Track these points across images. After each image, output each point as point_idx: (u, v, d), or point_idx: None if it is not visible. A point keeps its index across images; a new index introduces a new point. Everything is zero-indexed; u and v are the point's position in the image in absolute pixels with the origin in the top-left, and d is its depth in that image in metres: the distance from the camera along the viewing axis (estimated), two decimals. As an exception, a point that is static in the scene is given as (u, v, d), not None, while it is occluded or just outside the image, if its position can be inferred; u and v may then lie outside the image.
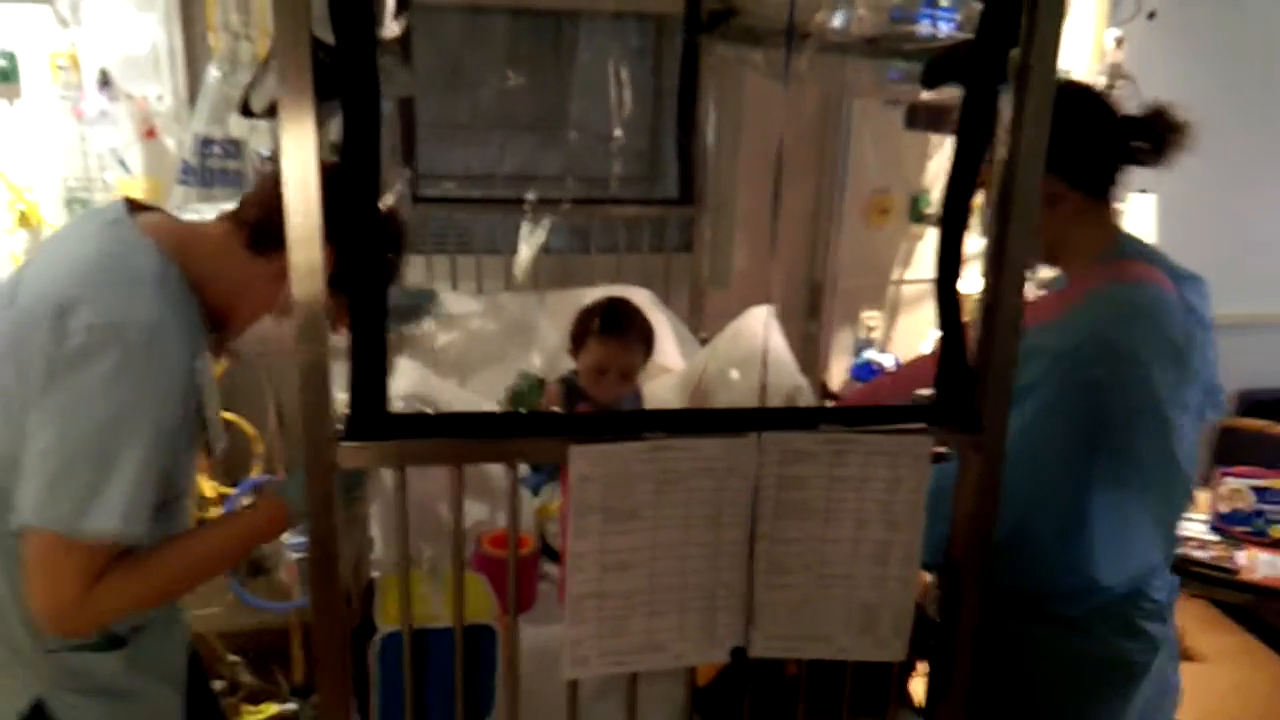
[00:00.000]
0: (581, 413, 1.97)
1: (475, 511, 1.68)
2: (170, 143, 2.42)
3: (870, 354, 3.14)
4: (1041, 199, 1.40)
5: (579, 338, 2.13)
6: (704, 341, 2.66)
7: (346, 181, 0.96)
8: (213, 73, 2.19)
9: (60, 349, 1.13)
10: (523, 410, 1.96)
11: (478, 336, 2.54)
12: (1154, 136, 1.44)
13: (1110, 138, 1.46)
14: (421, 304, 1.73)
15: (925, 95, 1.55)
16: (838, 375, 3.22)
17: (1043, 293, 1.64)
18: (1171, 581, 1.53)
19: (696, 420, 1.09)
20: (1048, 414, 1.35)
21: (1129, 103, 2.86)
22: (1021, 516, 1.33)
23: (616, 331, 2.09)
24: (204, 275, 1.27)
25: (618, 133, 2.76)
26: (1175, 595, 1.54)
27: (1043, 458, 1.36)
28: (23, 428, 1.15)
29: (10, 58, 2.38)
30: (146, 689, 1.36)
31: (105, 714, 1.31)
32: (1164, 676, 1.54)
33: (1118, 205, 1.51)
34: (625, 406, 2.19)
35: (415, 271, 2.79)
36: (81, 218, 1.34)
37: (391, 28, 1.10)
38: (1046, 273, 1.65)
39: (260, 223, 1.29)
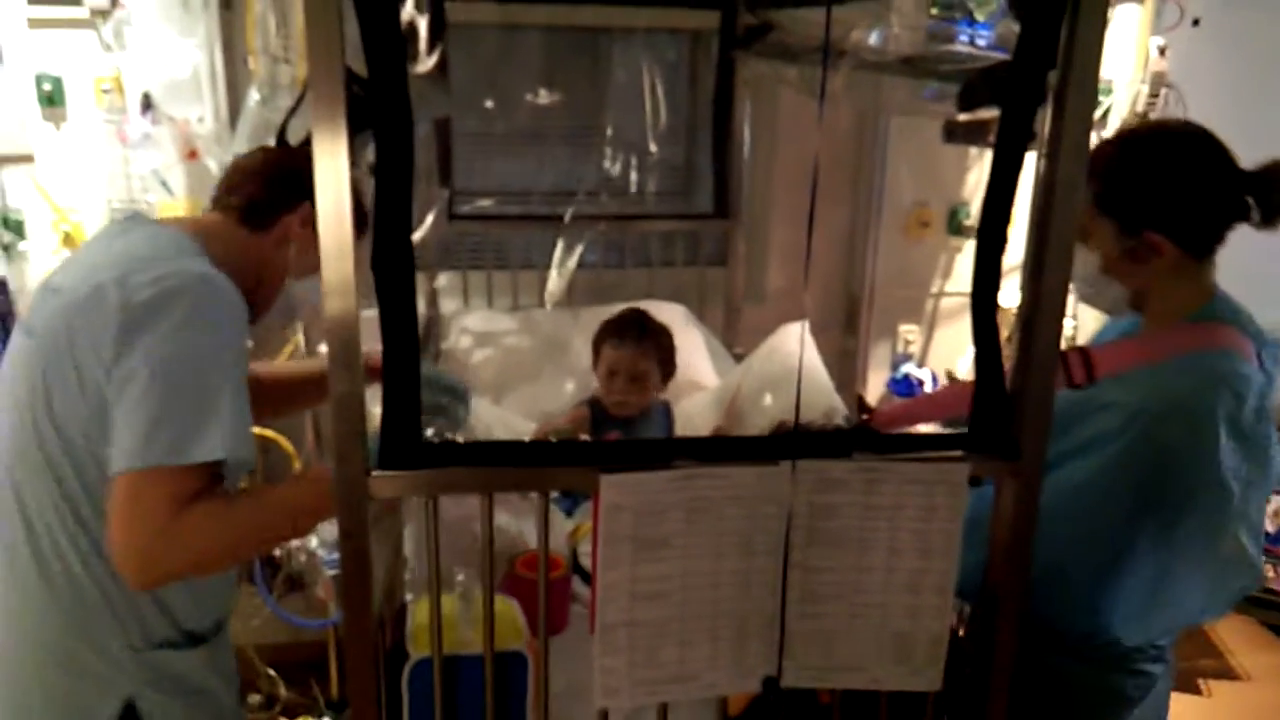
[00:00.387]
0: (611, 440, 1.98)
1: (509, 525, 1.69)
2: (212, 164, 2.47)
3: (908, 368, 3.11)
4: (1139, 252, 1.34)
5: (596, 348, 2.22)
6: (739, 357, 2.65)
7: (379, 215, 0.97)
8: (253, 96, 2.23)
9: (130, 308, 1.17)
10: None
11: (512, 354, 2.56)
12: (1270, 196, 1.32)
13: (1226, 196, 1.33)
14: (450, 400, 1.70)
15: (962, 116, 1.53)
16: (875, 389, 3.20)
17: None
18: None
19: (728, 448, 1.09)
20: (1114, 470, 1.31)
21: (1174, 110, 2.84)
22: (1057, 560, 1.30)
23: (625, 335, 2.18)
24: (223, 258, 1.32)
25: (653, 147, 2.78)
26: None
27: (1096, 511, 1.32)
28: (103, 396, 1.17)
29: (56, 82, 2.45)
30: (217, 687, 1.41)
31: (186, 712, 1.35)
32: (1160, 702, 1.51)
33: (1216, 260, 1.39)
34: (654, 419, 2.21)
35: (451, 289, 2.81)
36: (102, 230, 1.39)
37: (426, 62, 1.11)
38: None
39: (246, 202, 1.37)
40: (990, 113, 1.11)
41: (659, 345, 2.21)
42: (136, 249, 1.26)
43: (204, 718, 1.37)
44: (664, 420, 2.25)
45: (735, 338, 2.92)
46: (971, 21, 1.67)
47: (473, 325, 2.64)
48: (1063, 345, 1.12)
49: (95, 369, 1.17)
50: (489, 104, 2.81)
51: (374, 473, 0.99)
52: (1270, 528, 2.24)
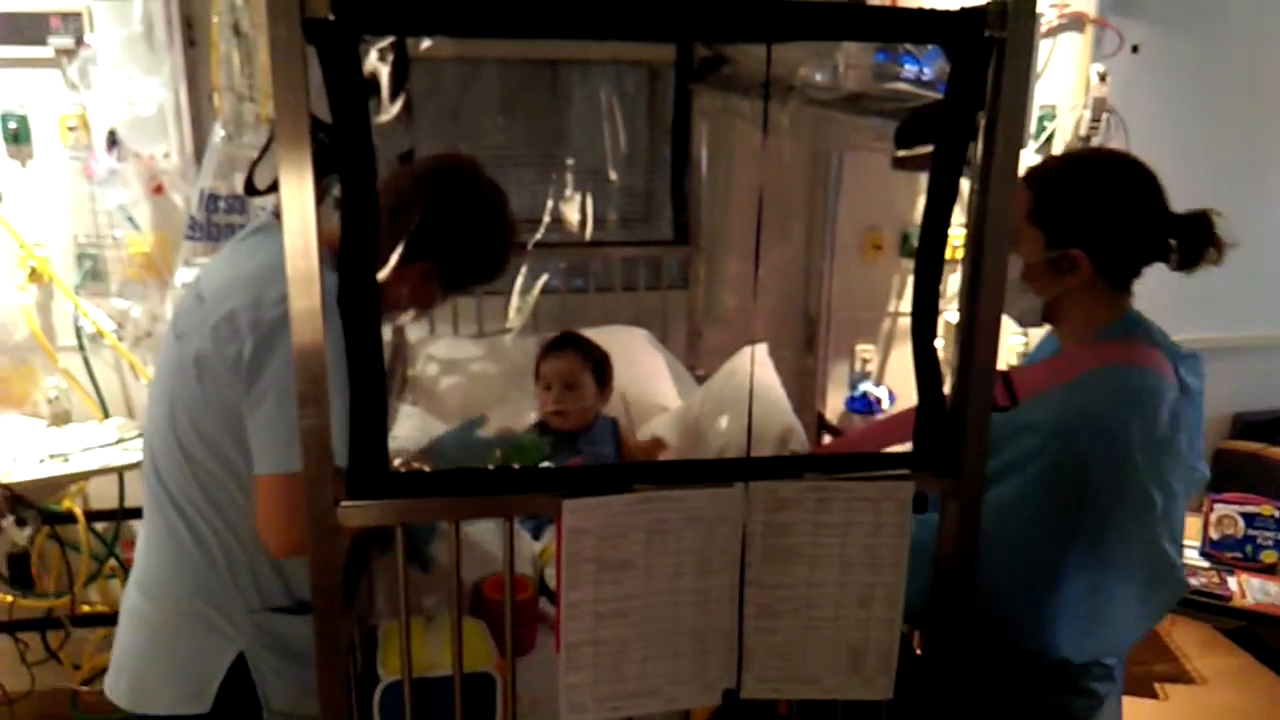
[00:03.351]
0: (574, 465, 2.03)
1: (480, 542, 1.72)
2: (178, 199, 2.49)
3: (866, 386, 3.17)
4: (1060, 264, 1.39)
5: (536, 371, 2.33)
6: (700, 379, 2.70)
7: (344, 253, 1.01)
8: (218, 132, 2.26)
9: (260, 327, 1.31)
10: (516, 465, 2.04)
11: (478, 380, 2.59)
12: (1192, 243, 1.39)
13: (1151, 231, 1.40)
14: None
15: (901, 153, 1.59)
16: (834, 407, 3.26)
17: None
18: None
19: (685, 471, 1.13)
20: (1037, 490, 1.34)
21: (1115, 135, 2.94)
22: (995, 584, 1.31)
23: (555, 348, 2.31)
24: None
25: (614, 175, 2.83)
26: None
27: (1025, 532, 1.35)
28: (237, 403, 1.33)
29: (22, 120, 2.47)
30: None
31: (294, 674, 1.47)
32: (1115, 712, 1.55)
33: (1133, 292, 1.47)
34: (599, 434, 2.26)
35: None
36: (244, 236, 1.51)
37: (390, 109, 1.16)
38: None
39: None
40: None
41: (588, 355, 2.31)
42: (268, 266, 1.36)
43: (307, 680, 1.46)
44: (611, 435, 2.30)
45: (697, 360, 2.97)
46: (915, 58, 1.73)
47: (439, 352, 2.67)
48: (1015, 360, 1.17)
49: (233, 381, 1.33)
50: (452, 135, 2.85)
51: (342, 503, 1.02)
52: (1215, 535, 2.32)
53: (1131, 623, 1.44)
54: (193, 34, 2.47)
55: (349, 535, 1.31)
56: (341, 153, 0.99)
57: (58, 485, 2.45)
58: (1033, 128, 2.96)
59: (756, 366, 2.37)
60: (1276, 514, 2.29)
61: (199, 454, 1.39)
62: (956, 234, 1.95)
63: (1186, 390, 1.44)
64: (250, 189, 1.38)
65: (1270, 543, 2.28)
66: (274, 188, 0.98)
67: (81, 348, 2.62)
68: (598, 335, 2.51)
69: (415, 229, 1.46)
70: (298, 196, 0.95)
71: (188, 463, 1.40)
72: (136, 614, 1.50)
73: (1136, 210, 1.40)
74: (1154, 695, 2.82)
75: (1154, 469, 1.36)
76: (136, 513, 2.65)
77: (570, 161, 2.91)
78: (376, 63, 1.07)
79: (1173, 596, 1.46)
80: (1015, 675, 1.47)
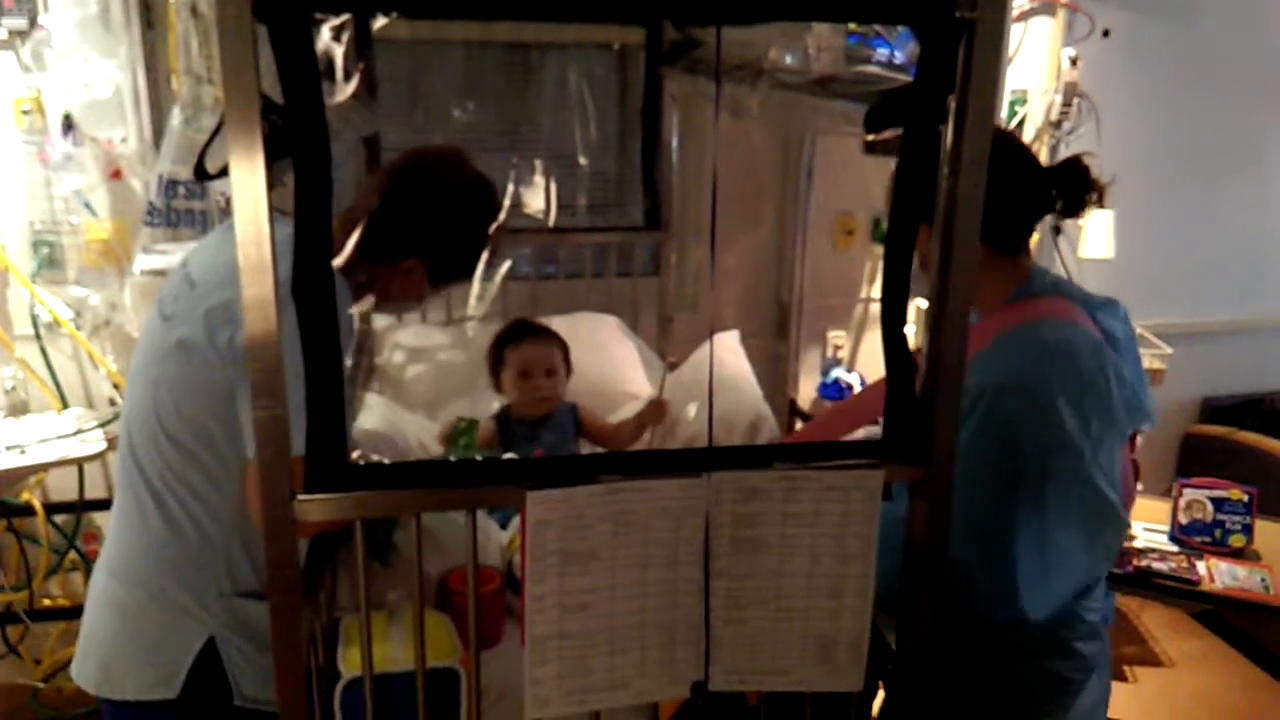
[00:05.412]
0: (537, 456, 2.01)
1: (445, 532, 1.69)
2: (136, 184, 2.44)
3: (838, 372, 3.17)
4: None
5: (496, 364, 2.27)
6: (672, 366, 2.69)
7: (299, 240, 0.98)
8: (176, 116, 2.21)
9: None
10: (460, 453, 2.02)
11: (446, 368, 2.56)
12: (1070, 191, 1.45)
13: (1029, 194, 1.46)
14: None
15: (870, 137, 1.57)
16: (806, 394, 3.26)
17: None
18: (1106, 601, 1.55)
19: (651, 461, 1.12)
20: (969, 454, 1.32)
21: (1086, 119, 2.94)
22: (952, 556, 1.35)
23: (528, 334, 2.26)
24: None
25: (584, 160, 2.80)
26: (1111, 612, 1.55)
27: (963, 496, 1.32)
28: (224, 384, 1.32)
29: (-26, 104, 2.40)
30: None
31: (264, 661, 1.43)
32: (1102, 685, 1.57)
33: (1030, 249, 1.51)
34: (561, 420, 2.24)
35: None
36: (230, 223, 1.46)
37: (346, 88, 1.12)
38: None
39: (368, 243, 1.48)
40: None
41: (555, 339, 2.28)
42: None
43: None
44: (571, 420, 2.28)
45: (669, 347, 2.95)
46: (888, 41, 1.72)
47: (406, 340, 2.63)
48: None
49: (222, 365, 1.33)
50: (419, 119, 2.81)
51: (300, 496, 1.00)
52: (1183, 519, 2.33)
53: (1083, 567, 1.46)
54: (150, 15, 2.41)
55: (309, 530, 1.29)
56: (294, 136, 0.96)
57: (15, 477, 2.40)
58: (1004, 112, 2.96)
59: (728, 354, 2.36)
60: (1245, 498, 2.30)
61: (181, 435, 1.38)
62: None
63: (1113, 338, 1.48)
64: (201, 173, 1.34)
65: (1238, 527, 2.29)
66: (225, 172, 0.94)
67: (38, 337, 2.56)
68: (568, 322, 2.49)
69: (399, 226, 1.46)
70: (248, 182, 0.92)
71: (169, 443, 1.38)
72: (106, 597, 1.47)
73: (1005, 176, 1.41)
74: (1123, 678, 2.84)
75: (1078, 417, 1.38)
76: (96, 505, 2.62)
77: (539, 146, 2.88)
78: (331, 42, 1.04)
79: (1116, 535, 1.49)
80: (998, 646, 1.48)
